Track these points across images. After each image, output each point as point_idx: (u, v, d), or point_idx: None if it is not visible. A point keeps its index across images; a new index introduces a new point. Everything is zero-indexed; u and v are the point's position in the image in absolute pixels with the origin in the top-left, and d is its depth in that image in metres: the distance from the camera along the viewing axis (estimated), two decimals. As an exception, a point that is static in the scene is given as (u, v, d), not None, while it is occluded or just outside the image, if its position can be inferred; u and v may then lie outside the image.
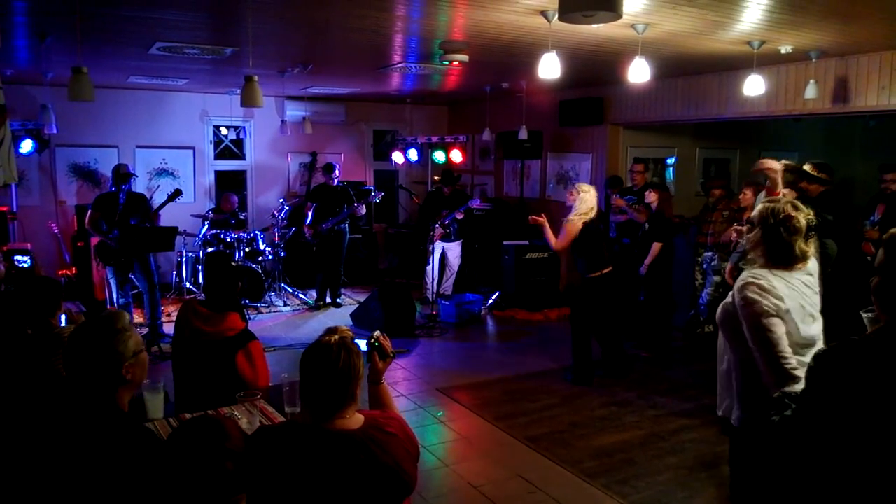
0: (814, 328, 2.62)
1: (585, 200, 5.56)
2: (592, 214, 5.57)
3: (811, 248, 2.55)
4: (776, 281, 2.51)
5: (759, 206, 2.67)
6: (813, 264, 2.67)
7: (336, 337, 2.04)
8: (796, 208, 2.55)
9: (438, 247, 8.24)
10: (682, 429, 4.83)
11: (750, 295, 2.50)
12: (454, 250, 8.44)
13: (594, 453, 4.48)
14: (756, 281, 2.52)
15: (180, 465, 1.67)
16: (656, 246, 6.35)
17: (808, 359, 2.55)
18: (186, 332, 3.43)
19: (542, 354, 6.60)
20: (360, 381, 2.05)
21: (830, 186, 5.56)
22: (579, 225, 5.50)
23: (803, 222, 2.51)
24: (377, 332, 2.29)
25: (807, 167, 5.47)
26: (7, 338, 3.11)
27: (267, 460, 1.97)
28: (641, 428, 4.91)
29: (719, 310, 2.72)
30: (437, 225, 8.07)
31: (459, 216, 8.11)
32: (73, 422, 2.01)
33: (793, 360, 2.45)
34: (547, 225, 5.73)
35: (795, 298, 2.53)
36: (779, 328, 2.47)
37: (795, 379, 2.42)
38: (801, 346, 2.54)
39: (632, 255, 6.82)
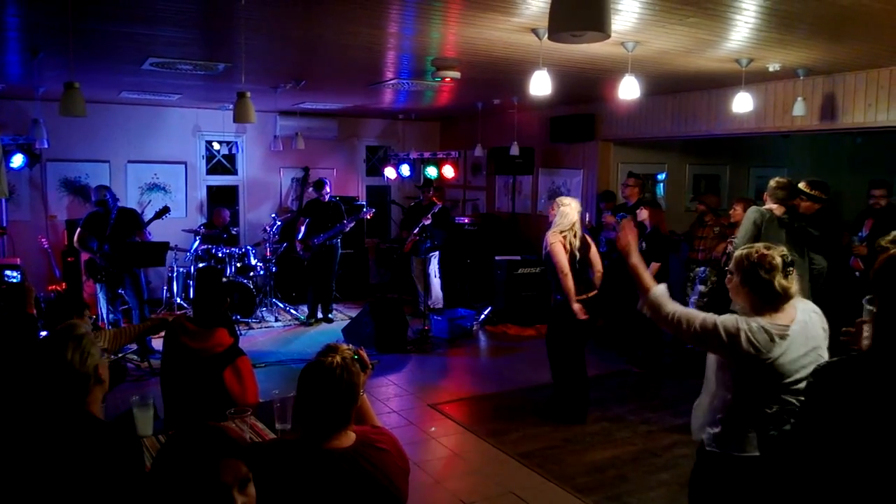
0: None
1: (566, 215, 5.06)
2: (575, 229, 5.06)
3: (793, 285, 2.56)
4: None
5: (735, 254, 2.70)
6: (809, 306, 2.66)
7: (339, 358, 2.05)
8: (769, 248, 2.59)
9: (416, 261, 8.27)
10: (675, 444, 4.83)
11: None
12: (430, 263, 8.46)
13: (586, 469, 4.47)
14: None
15: (184, 449, 1.66)
16: (654, 266, 6.21)
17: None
18: (174, 349, 3.42)
19: (535, 369, 6.58)
20: (359, 401, 2.07)
21: (825, 205, 5.52)
22: (562, 242, 5.00)
23: (778, 259, 2.54)
24: (349, 345, 2.31)
25: (801, 185, 5.44)
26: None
27: (258, 478, 1.95)
28: (634, 444, 4.90)
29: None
30: (405, 236, 8.16)
31: (427, 222, 8.13)
32: (48, 429, 2.03)
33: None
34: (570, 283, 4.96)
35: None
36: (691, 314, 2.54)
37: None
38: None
39: (624, 271, 6.82)
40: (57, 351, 2.09)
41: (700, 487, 2.78)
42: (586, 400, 5.30)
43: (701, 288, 6.42)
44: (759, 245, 2.62)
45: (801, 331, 2.49)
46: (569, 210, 5.09)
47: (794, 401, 2.44)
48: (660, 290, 2.68)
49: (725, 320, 2.47)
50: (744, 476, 2.52)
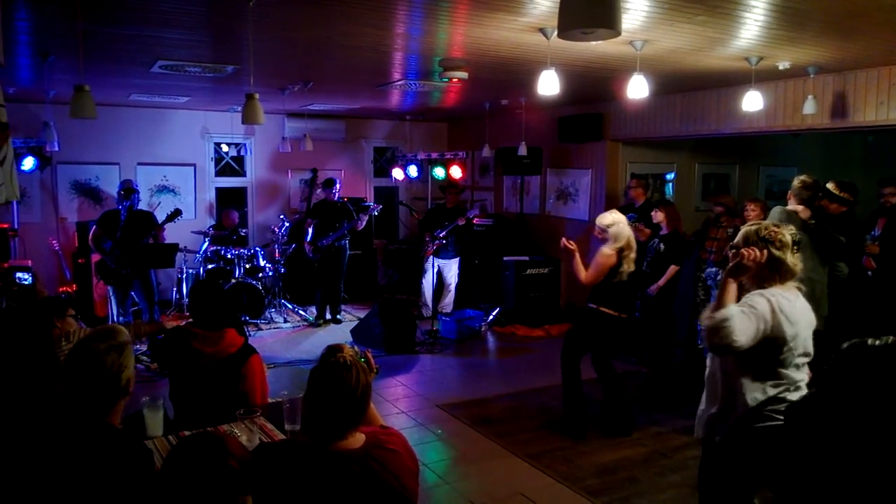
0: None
1: (619, 234, 4.77)
2: (633, 245, 4.84)
3: (799, 263, 2.60)
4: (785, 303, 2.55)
5: (740, 232, 2.71)
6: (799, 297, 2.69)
7: (349, 356, 2.04)
8: (777, 225, 2.61)
9: (434, 264, 8.24)
10: (685, 446, 4.80)
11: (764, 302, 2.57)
12: (450, 268, 8.43)
13: (596, 471, 4.45)
14: (773, 297, 2.57)
15: (185, 461, 1.67)
16: (672, 269, 6.11)
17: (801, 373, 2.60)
18: (186, 355, 3.39)
19: (543, 370, 6.57)
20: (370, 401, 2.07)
21: (852, 207, 5.30)
22: (614, 259, 4.77)
23: (788, 237, 2.57)
24: (354, 347, 2.31)
25: (829, 185, 5.24)
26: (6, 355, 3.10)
27: (267, 479, 1.95)
28: (644, 445, 4.88)
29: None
30: (429, 239, 8.10)
31: (461, 222, 8.12)
32: (68, 438, 2.01)
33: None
34: (577, 253, 4.94)
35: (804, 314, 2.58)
36: (755, 324, 2.52)
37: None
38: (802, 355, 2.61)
39: (637, 273, 6.78)
40: (94, 355, 2.08)
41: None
42: (581, 414, 5.07)
43: (718, 293, 6.35)
44: (768, 222, 2.66)
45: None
46: (619, 228, 4.78)
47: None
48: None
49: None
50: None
